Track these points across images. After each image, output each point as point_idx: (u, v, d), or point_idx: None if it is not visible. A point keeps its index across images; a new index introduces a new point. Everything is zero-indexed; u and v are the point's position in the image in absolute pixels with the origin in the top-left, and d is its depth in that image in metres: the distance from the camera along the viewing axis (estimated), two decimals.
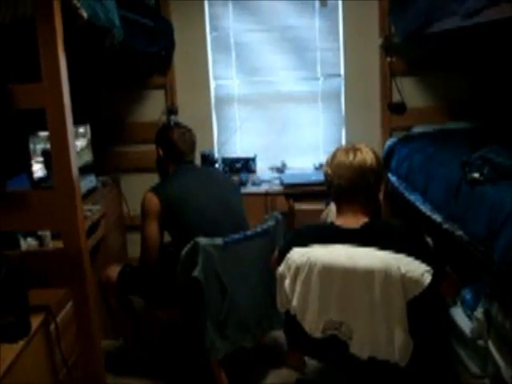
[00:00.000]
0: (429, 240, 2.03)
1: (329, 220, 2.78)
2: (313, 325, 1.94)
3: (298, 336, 2.03)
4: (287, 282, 1.96)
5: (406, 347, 1.84)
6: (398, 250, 1.85)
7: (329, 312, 1.91)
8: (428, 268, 1.80)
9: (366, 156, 2.01)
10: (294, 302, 1.95)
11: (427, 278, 1.78)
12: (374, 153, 2.07)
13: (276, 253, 2.20)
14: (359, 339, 1.89)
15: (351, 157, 2.01)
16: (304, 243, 1.97)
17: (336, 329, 1.92)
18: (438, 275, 1.83)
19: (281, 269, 1.98)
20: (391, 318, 1.84)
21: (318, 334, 1.94)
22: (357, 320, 1.88)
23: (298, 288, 1.94)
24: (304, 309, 1.95)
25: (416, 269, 1.80)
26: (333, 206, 2.84)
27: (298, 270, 1.93)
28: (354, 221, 2.00)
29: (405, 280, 1.79)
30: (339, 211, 2.08)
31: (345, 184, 2.01)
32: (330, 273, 1.88)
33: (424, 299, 1.80)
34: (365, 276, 1.83)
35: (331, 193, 2.11)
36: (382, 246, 1.87)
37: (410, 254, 1.84)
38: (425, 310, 1.87)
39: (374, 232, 1.99)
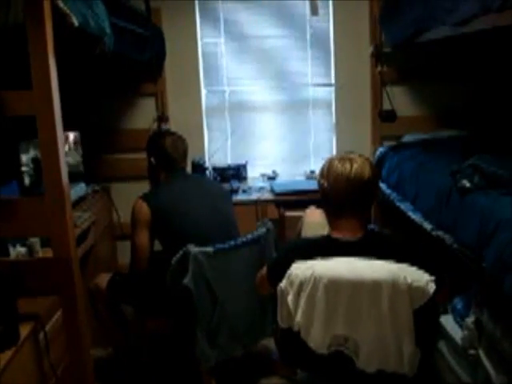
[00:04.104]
0: None
1: (303, 231, 2.76)
2: (319, 341, 1.89)
3: (300, 353, 1.99)
4: (290, 298, 1.89)
5: (414, 357, 1.83)
6: (398, 261, 1.84)
7: (335, 327, 1.87)
8: (431, 277, 1.80)
9: (363, 168, 1.98)
10: (298, 318, 1.89)
11: (432, 287, 1.78)
12: (370, 163, 2.03)
13: (263, 271, 2.16)
14: (367, 353, 1.86)
15: (348, 168, 1.96)
16: (303, 257, 1.93)
17: (341, 344, 1.88)
18: (439, 284, 1.83)
19: (282, 284, 1.91)
20: (399, 329, 1.82)
21: (324, 351, 1.89)
22: (364, 333, 1.85)
23: (302, 303, 1.88)
24: (309, 325, 1.89)
25: (421, 278, 1.79)
26: (306, 217, 2.83)
27: (301, 284, 1.87)
28: (350, 233, 1.98)
29: (411, 290, 1.78)
30: (335, 224, 2.04)
31: (342, 198, 1.99)
32: (336, 287, 1.84)
33: (427, 308, 1.80)
34: (372, 288, 1.81)
35: (327, 205, 2.10)
36: (383, 258, 1.86)
37: (411, 264, 1.83)
38: (428, 318, 1.86)
39: (372, 244, 1.97)
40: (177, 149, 2.94)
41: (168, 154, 2.92)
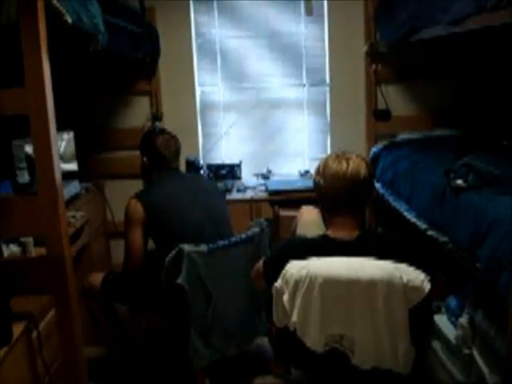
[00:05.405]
0: None
1: (299, 230, 2.76)
2: (315, 339, 1.89)
3: (296, 352, 1.98)
4: (285, 297, 1.89)
5: (409, 355, 1.83)
6: (394, 260, 1.84)
7: (331, 325, 1.87)
8: (427, 276, 1.80)
9: (360, 167, 1.98)
10: (294, 318, 1.88)
11: (427, 286, 1.78)
12: (366, 162, 2.04)
13: (260, 265, 2.15)
14: (362, 350, 1.86)
15: (344, 167, 1.97)
16: (299, 256, 1.92)
17: (337, 342, 1.88)
18: (433, 281, 1.83)
19: (277, 284, 1.91)
20: (394, 327, 1.82)
21: (320, 349, 1.89)
22: (359, 331, 1.85)
23: (297, 303, 1.87)
24: (305, 324, 1.88)
25: (416, 277, 1.80)
26: (301, 216, 2.83)
27: (297, 284, 1.87)
28: (346, 232, 1.99)
29: (407, 289, 1.78)
30: (330, 222, 2.05)
31: (338, 196, 1.99)
32: (331, 285, 1.84)
33: (422, 307, 1.80)
34: (368, 287, 1.81)
35: (323, 204, 2.09)
36: (379, 257, 1.86)
37: (407, 263, 1.84)
38: (423, 317, 1.86)
39: (369, 243, 1.98)
40: (169, 148, 2.93)
41: (160, 154, 2.92)
